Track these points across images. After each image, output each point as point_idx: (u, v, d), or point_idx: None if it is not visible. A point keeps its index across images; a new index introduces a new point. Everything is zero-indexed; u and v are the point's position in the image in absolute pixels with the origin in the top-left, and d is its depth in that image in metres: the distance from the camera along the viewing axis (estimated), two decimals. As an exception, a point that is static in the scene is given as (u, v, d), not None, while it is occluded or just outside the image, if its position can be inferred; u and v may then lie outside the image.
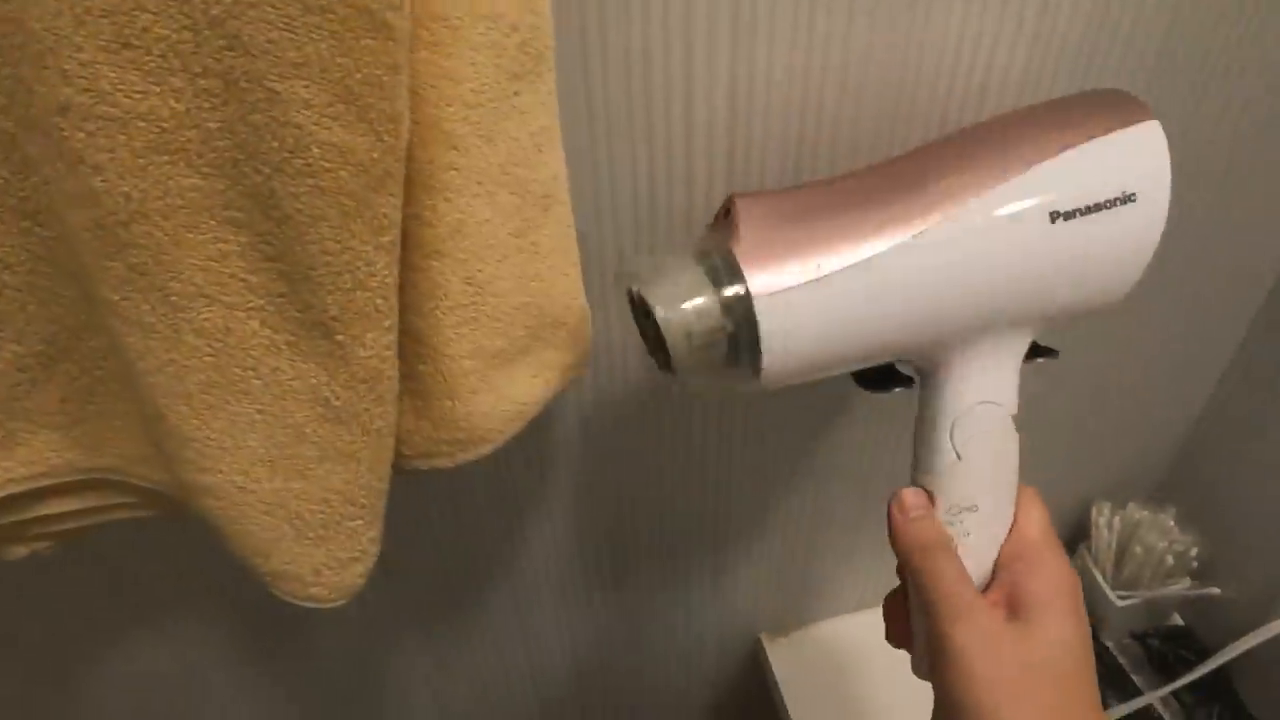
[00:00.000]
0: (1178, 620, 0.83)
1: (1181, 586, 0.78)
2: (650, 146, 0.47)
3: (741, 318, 0.38)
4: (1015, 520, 0.44)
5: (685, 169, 0.48)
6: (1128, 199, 0.39)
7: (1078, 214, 0.39)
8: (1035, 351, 0.49)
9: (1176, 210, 0.61)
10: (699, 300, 0.38)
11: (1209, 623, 0.80)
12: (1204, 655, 0.76)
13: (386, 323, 0.36)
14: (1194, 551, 0.76)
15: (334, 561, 0.41)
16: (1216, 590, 0.74)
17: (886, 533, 0.44)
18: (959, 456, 0.42)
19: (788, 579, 0.80)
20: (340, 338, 0.36)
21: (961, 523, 0.43)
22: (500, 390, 0.41)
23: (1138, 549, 0.76)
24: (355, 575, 0.42)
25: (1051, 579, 0.41)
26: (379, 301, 0.35)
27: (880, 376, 0.47)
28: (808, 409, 0.64)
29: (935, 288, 0.39)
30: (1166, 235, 0.64)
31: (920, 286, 0.39)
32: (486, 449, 0.42)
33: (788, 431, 0.65)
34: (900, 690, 0.49)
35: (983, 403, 0.42)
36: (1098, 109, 0.41)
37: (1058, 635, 0.39)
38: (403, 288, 0.37)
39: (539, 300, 0.41)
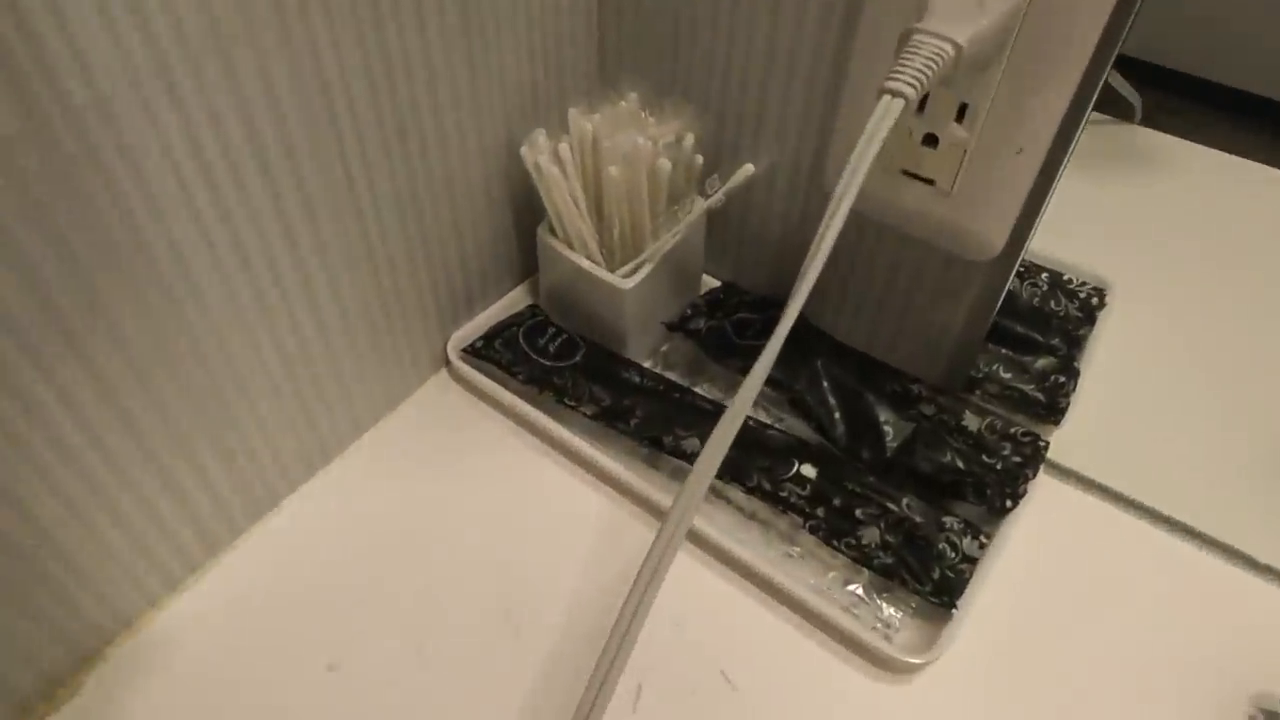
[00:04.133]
0: (712, 281, 0.53)
1: (708, 197, 0.46)
2: None
3: None
4: None
5: None
6: None
7: None
8: None
9: None
10: None
11: (736, 264, 0.51)
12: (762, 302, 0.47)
13: None
14: (689, 141, 0.44)
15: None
16: (749, 166, 0.43)
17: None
18: None
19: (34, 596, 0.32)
20: None
21: None
22: None
23: (613, 172, 0.42)
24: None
25: None
26: None
27: None
28: None
29: None
30: None
31: None
32: None
33: None
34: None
35: None
36: None
37: None
38: None
39: None
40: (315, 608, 0.39)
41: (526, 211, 0.49)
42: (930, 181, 0.38)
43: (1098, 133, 0.65)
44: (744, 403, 0.33)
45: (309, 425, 0.42)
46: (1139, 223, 0.60)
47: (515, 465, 0.45)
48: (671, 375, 0.48)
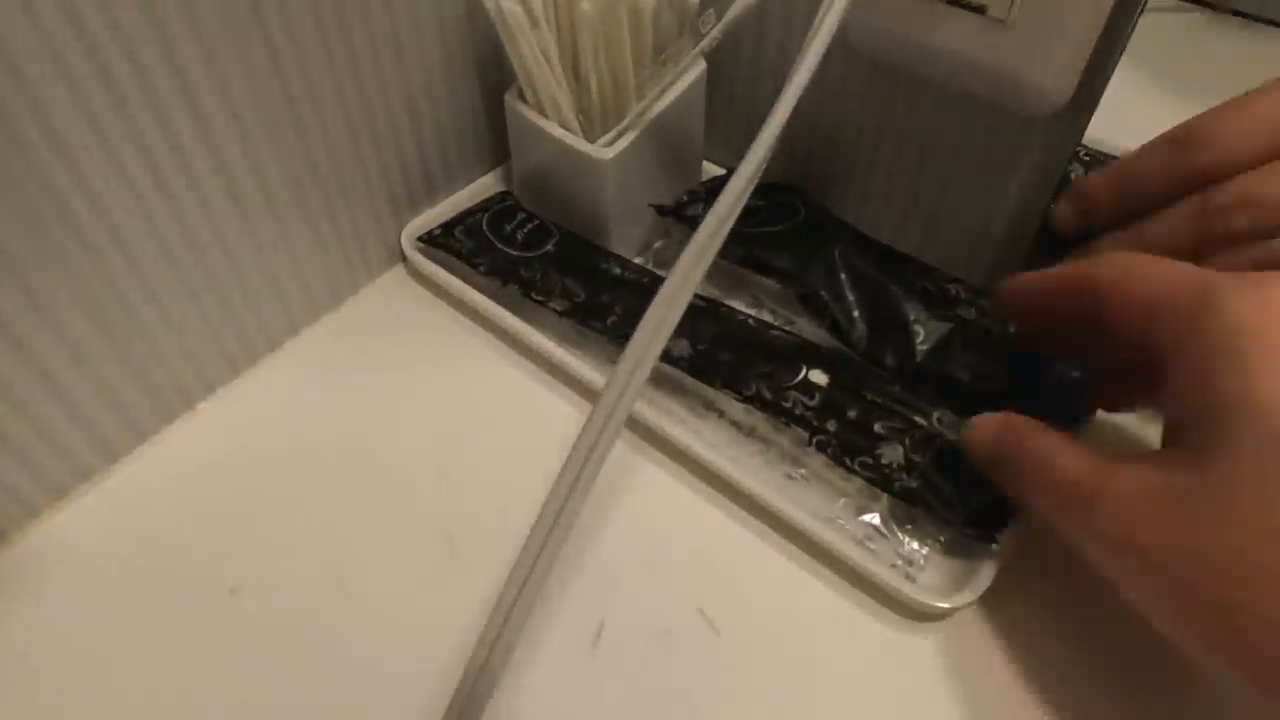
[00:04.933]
0: (715, 170, 0.45)
1: (703, 39, 0.38)
2: None
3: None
4: None
5: None
6: None
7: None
8: None
9: None
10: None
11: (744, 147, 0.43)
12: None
13: None
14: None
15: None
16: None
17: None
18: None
19: None
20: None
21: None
22: None
23: (585, 8, 0.34)
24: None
25: None
26: None
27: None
28: None
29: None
30: None
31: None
32: None
33: None
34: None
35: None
36: None
37: None
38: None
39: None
40: (223, 524, 0.33)
41: (495, 75, 0.41)
42: (980, 9, 0.30)
43: (1184, 20, 0.57)
44: (700, 248, 0.26)
45: (227, 320, 0.36)
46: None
47: (475, 371, 0.38)
48: (663, 273, 0.40)
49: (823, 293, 0.37)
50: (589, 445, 0.27)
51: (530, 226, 0.40)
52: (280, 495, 0.34)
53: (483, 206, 0.42)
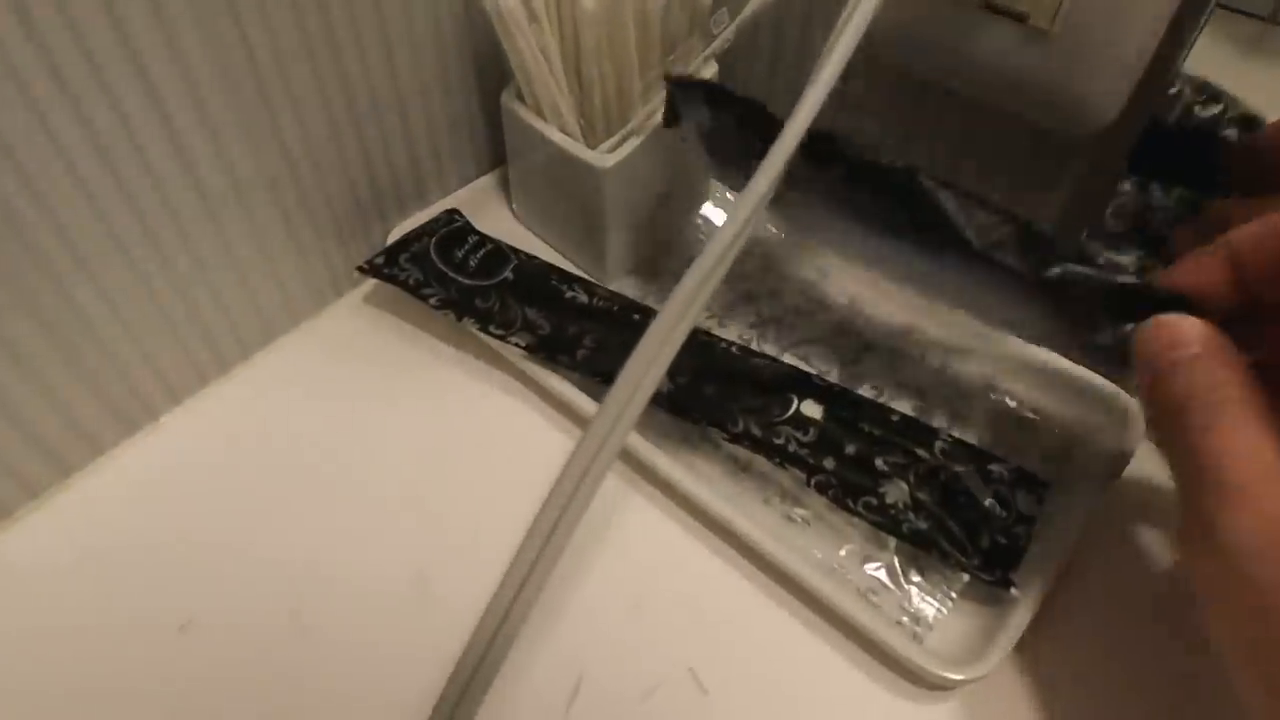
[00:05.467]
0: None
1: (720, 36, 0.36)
2: None
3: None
4: None
5: None
6: None
7: None
8: None
9: None
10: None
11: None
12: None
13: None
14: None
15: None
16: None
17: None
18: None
19: None
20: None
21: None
22: None
23: (588, 6, 0.32)
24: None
25: None
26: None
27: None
28: None
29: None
30: None
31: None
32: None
33: None
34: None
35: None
36: None
37: None
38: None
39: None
40: (179, 551, 0.30)
41: (495, 72, 0.39)
42: (1021, 17, 0.27)
43: (1229, 32, 0.53)
44: (707, 271, 0.24)
45: (193, 325, 0.33)
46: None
47: (462, 389, 0.35)
48: (641, 299, 0.37)
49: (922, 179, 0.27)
50: (575, 479, 0.25)
51: (484, 251, 0.37)
52: (243, 521, 0.31)
53: (429, 229, 0.38)
